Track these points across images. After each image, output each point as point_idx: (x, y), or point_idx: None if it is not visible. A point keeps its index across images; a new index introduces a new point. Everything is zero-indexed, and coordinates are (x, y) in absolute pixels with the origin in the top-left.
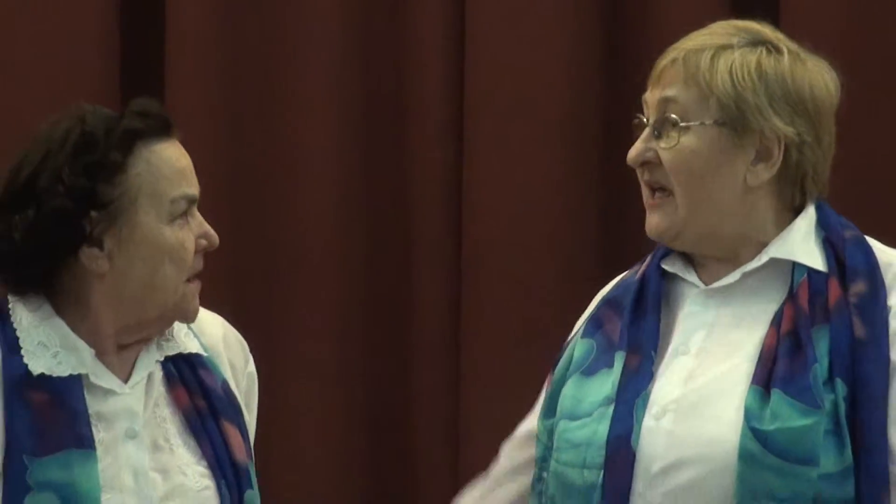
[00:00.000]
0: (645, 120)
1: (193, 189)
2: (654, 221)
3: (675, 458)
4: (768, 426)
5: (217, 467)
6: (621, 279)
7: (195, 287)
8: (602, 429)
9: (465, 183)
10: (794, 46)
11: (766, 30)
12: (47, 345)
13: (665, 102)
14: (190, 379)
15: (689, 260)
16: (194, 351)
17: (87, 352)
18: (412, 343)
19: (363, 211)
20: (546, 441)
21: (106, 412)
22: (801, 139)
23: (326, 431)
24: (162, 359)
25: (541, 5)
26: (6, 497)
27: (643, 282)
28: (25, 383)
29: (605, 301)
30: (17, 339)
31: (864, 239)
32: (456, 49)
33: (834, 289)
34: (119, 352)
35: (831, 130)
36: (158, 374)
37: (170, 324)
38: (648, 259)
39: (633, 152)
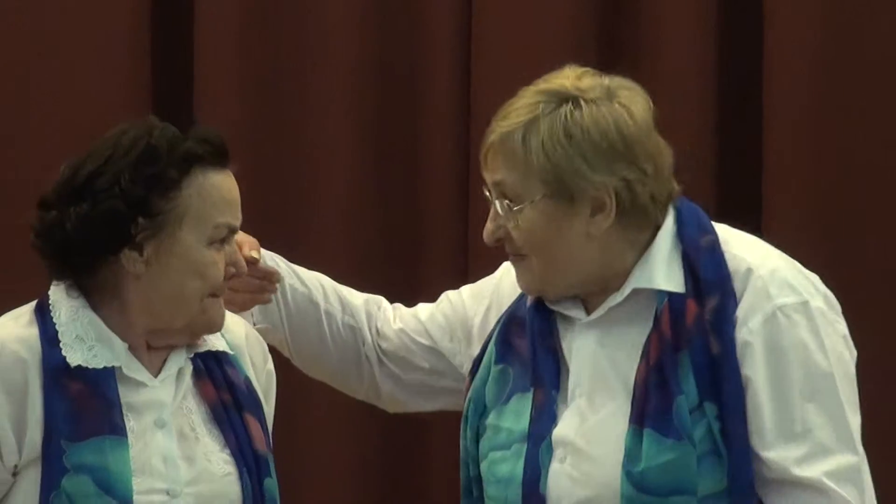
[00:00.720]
0: (487, 195)
1: (236, 221)
2: (519, 280)
3: (578, 499)
4: (641, 466)
5: (240, 456)
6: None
7: (218, 300)
8: (519, 468)
9: (472, 183)
10: (595, 90)
11: (567, 81)
12: (84, 338)
13: (497, 186)
14: (217, 374)
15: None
16: (221, 349)
17: (120, 346)
18: None
19: (376, 206)
20: (474, 463)
21: (137, 402)
22: (626, 181)
23: (343, 424)
24: (192, 356)
25: (543, 8)
26: (45, 477)
27: (534, 313)
28: (64, 374)
29: (510, 317)
30: (57, 332)
31: (718, 244)
32: (463, 55)
33: (691, 309)
34: (149, 349)
35: (652, 153)
36: (189, 369)
37: (198, 336)
38: None
39: (487, 234)
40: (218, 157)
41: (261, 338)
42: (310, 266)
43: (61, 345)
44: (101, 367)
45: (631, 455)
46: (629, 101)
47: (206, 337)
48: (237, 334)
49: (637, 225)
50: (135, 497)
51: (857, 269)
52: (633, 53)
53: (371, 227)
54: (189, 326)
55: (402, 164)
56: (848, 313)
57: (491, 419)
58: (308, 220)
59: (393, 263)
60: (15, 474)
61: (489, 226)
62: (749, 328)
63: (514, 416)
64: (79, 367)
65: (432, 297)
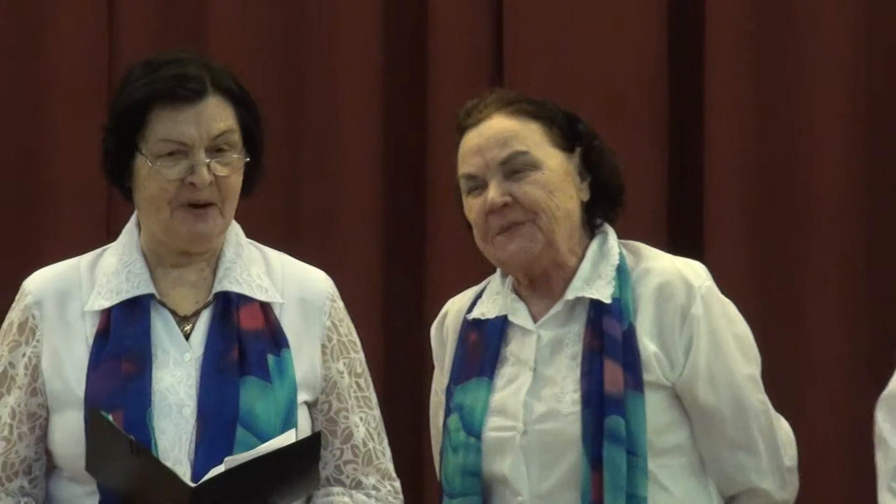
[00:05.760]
0: None
1: None
2: None
3: None
4: None
5: (587, 397)
6: None
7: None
8: None
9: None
10: None
11: None
12: (493, 293)
13: None
14: (596, 323)
15: None
16: (598, 297)
17: (509, 295)
18: None
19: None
20: None
21: (518, 348)
22: None
23: None
24: (571, 298)
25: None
26: (444, 418)
27: None
28: (468, 327)
29: None
30: (484, 290)
31: None
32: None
33: None
34: (537, 290)
35: None
36: (575, 316)
37: None
38: None
39: None
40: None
41: (689, 283)
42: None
43: (478, 302)
44: (493, 316)
45: None
46: None
47: (593, 285)
48: (648, 285)
49: None
50: (487, 433)
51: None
52: None
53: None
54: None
55: None
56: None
57: None
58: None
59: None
60: None
61: None
62: None
63: None
64: (476, 319)
65: None
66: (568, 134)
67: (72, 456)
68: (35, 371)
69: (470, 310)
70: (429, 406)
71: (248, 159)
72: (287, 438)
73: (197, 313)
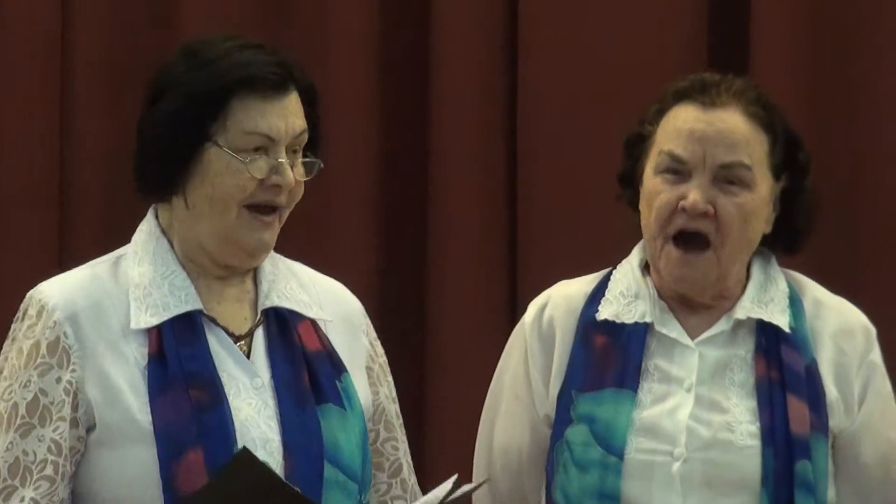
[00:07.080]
0: None
1: None
2: None
3: None
4: None
5: (769, 433)
6: None
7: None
8: None
9: None
10: None
11: None
12: (626, 293)
13: None
14: (771, 352)
15: None
16: (776, 323)
17: (656, 301)
18: None
19: None
20: None
21: (667, 364)
22: None
23: None
24: (742, 317)
25: None
26: (555, 426)
27: None
28: (593, 328)
29: None
30: (606, 288)
31: None
32: None
33: None
34: (692, 311)
35: None
36: (743, 339)
37: None
38: None
39: None
40: None
41: (868, 328)
42: None
43: (603, 300)
44: (632, 322)
45: None
46: None
47: (760, 307)
48: (826, 321)
49: None
50: (632, 455)
51: None
52: None
53: None
54: None
55: None
56: None
57: None
58: None
59: None
60: (550, 425)
61: None
62: None
63: None
64: (606, 321)
65: None
66: (784, 158)
67: (133, 498)
68: (75, 400)
69: (591, 307)
70: (426, 419)
71: (322, 165)
72: (445, 488)
73: (250, 332)
